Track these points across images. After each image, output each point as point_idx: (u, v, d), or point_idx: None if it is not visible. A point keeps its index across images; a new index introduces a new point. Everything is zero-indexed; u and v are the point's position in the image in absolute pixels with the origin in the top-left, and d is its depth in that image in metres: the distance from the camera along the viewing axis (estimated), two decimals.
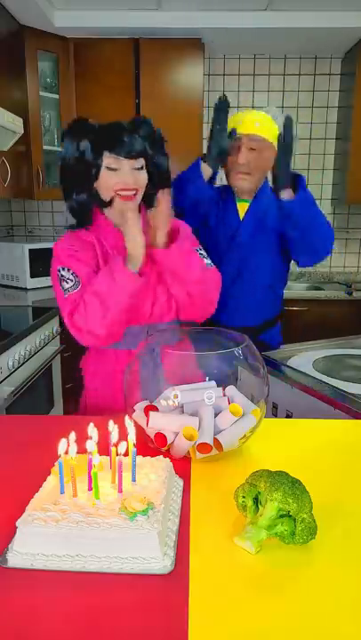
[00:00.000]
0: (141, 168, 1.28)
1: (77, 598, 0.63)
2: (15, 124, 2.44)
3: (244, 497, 0.76)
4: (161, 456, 0.88)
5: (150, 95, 3.12)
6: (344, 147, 3.36)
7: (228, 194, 1.82)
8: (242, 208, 1.79)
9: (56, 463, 0.77)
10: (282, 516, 0.72)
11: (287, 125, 1.49)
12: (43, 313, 2.46)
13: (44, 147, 3.09)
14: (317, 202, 1.61)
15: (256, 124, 1.63)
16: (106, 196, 1.30)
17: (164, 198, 1.24)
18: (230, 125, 1.66)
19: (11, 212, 3.67)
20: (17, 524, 0.70)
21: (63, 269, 1.31)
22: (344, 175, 3.34)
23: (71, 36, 3.04)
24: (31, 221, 3.69)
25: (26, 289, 2.99)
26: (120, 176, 1.26)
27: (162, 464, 0.84)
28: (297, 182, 1.55)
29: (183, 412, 0.98)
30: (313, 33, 3.03)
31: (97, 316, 1.23)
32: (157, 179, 1.33)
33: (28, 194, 3.08)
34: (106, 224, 1.36)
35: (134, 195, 1.29)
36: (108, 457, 0.81)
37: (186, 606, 0.62)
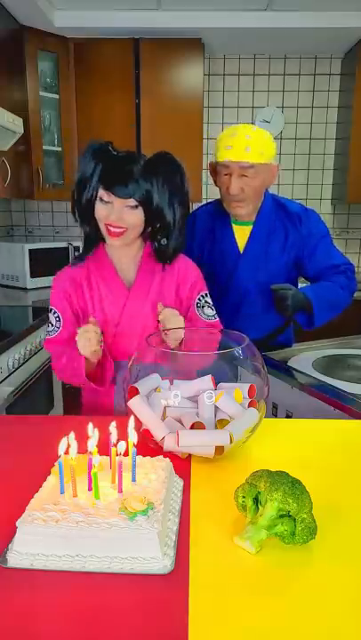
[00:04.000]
0: (136, 207, 1.21)
1: (77, 598, 0.63)
2: (15, 123, 2.44)
3: (244, 497, 0.76)
4: (161, 456, 0.88)
5: (150, 95, 3.12)
6: (344, 147, 3.36)
7: (223, 218, 1.68)
8: (241, 233, 1.66)
9: (56, 463, 0.77)
10: (282, 516, 0.72)
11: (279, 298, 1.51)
12: (43, 313, 2.45)
13: (44, 147, 3.09)
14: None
15: (247, 149, 1.47)
16: (100, 227, 1.27)
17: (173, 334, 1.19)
18: (219, 148, 1.54)
19: (11, 211, 3.67)
20: (17, 523, 0.70)
21: (50, 311, 1.38)
22: (344, 175, 3.34)
23: (71, 35, 3.04)
24: (31, 221, 3.69)
25: (26, 289, 2.98)
26: (110, 210, 1.21)
27: (162, 464, 0.84)
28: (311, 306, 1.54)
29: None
30: (313, 33, 3.03)
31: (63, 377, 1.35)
32: (159, 222, 1.27)
33: (28, 194, 3.08)
34: (103, 254, 1.34)
35: (122, 232, 1.23)
36: (108, 457, 0.81)
37: (186, 606, 0.62)
